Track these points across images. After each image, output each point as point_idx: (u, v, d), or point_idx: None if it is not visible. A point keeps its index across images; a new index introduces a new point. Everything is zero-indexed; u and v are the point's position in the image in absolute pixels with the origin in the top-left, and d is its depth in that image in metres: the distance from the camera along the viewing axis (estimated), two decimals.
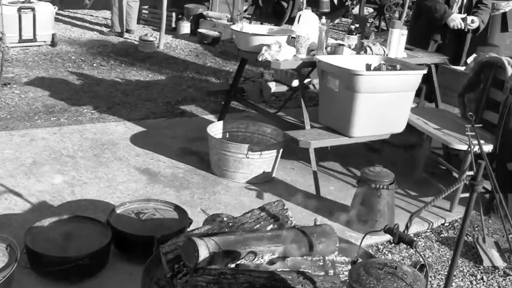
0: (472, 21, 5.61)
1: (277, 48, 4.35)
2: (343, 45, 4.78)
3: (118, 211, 3.52)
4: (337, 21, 11.85)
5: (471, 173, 4.39)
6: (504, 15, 6.85)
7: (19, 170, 4.39)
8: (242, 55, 4.87)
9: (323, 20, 4.69)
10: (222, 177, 4.59)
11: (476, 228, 4.28)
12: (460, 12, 5.69)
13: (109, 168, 4.57)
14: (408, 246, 2.65)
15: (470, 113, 4.20)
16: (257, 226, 2.67)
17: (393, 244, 3.88)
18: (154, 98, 6.36)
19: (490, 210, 4.46)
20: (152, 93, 6.52)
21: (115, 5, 8.98)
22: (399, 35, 4.99)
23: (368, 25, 10.86)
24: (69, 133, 5.19)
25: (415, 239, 2.30)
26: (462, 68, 5.74)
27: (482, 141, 4.18)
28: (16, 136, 5.01)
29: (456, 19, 5.58)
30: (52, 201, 3.98)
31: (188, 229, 3.31)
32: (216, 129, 4.86)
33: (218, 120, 5.25)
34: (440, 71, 5.69)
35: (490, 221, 4.39)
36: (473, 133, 4.13)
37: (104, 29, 9.42)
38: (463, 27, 5.61)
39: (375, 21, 11.61)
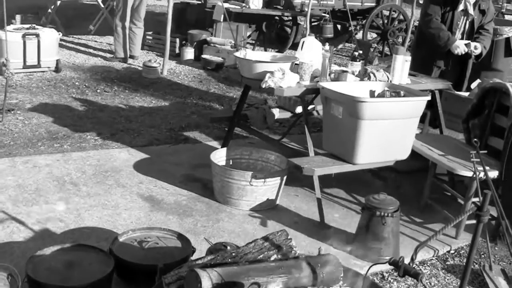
0: (475, 47, 5.63)
1: (281, 75, 4.36)
2: (346, 71, 4.79)
3: (121, 239, 3.51)
4: (340, 46, 11.91)
5: (477, 199, 4.37)
6: (507, 40, 6.89)
7: (22, 197, 4.38)
8: (246, 82, 4.88)
9: (327, 46, 4.71)
10: (226, 204, 4.57)
11: (483, 255, 4.25)
12: (462, 38, 5.71)
13: (112, 195, 4.56)
14: None
15: (475, 139, 4.19)
16: (261, 256, 2.65)
17: None
18: (157, 125, 6.36)
19: (496, 237, 4.43)
20: (155, 119, 6.53)
21: (116, 32, 9.03)
22: (402, 61, 5.00)
23: (372, 50, 10.89)
24: (72, 160, 5.19)
25: (420, 272, 2.28)
26: (466, 94, 5.74)
27: (487, 168, 4.16)
28: (19, 163, 5.02)
29: (460, 46, 5.60)
30: (54, 229, 3.96)
31: (191, 258, 3.29)
32: (219, 156, 4.85)
33: (221, 147, 5.25)
34: (444, 97, 5.70)
35: (496, 248, 4.35)
36: (478, 160, 4.11)
37: (108, 55, 9.47)
38: (467, 52, 5.63)
39: (379, 46, 11.65)
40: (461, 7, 5.63)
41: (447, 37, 5.58)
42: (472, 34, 5.74)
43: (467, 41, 5.63)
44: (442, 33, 5.59)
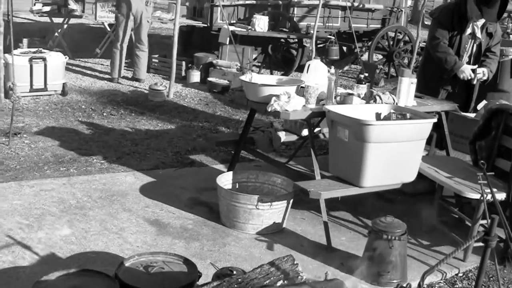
0: (483, 73, 5.64)
1: (286, 98, 4.37)
2: (352, 94, 4.79)
3: (127, 264, 3.50)
4: (346, 68, 11.94)
5: (484, 222, 4.35)
6: None
7: (28, 221, 4.39)
8: (252, 106, 4.89)
9: (332, 70, 4.72)
10: (232, 228, 4.56)
11: (491, 278, 4.21)
12: (469, 61, 5.72)
13: (118, 220, 4.55)
14: None
15: (482, 161, 4.16)
16: (267, 282, 2.64)
17: None
18: (163, 148, 6.37)
19: (505, 260, 4.40)
20: (161, 143, 6.54)
21: (114, 48, 9.16)
22: (408, 84, 5.00)
23: (378, 71, 10.90)
24: (78, 184, 5.20)
25: None
26: (472, 115, 5.73)
27: (494, 190, 4.13)
28: (25, 187, 5.03)
29: (465, 71, 5.60)
30: (60, 253, 3.96)
31: (197, 283, 3.27)
32: (225, 179, 4.85)
33: (228, 170, 5.24)
34: (450, 118, 5.69)
35: (505, 271, 4.32)
36: (485, 182, 4.09)
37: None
38: (472, 78, 5.63)
39: (384, 67, 11.68)
40: (469, 30, 5.65)
41: (454, 62, 5.59)
42: (479, 56, 5.75)
43: (474, 67, 5.64)
44: (450, 57, 5.59)
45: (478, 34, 5.65)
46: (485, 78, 5.68)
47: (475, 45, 5.73)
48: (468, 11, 5.57)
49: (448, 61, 5.60)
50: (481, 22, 5.65)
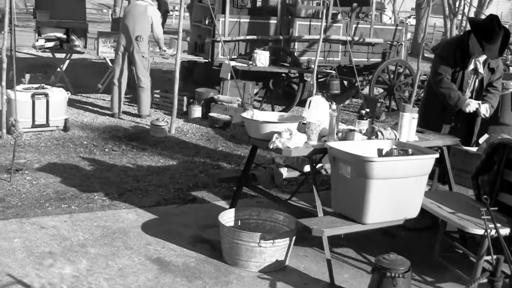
0: (486, 110, 5.67)
1: (288, 135, 4.38)
2: (354, 130, 4.80)
3: None
4: (347, 102, 11.98)
5: (489, 258, 4.31)
6: None
7: (29, 259, 4.37)
8: (253, 143, 4.89)
9: (334, 106, 4.74)
10: (235, 266, 4.53)
11: None
12: (472, 96, 5.76)
13: (119, 258, 4.53)
14: None
15: (485, 196, 4.16)
16: None
17: None
18: (165, 184, 6.37)
19: None
20: (163, 179, 6.54)
21: (112, 84, 9.24)
22: (410, 119, 5.02)
23: (379, 105, 10.95)
24: (80, 221, 5.18)
25: None
26: (474, 149, 5.74)
27: (498, 225, 4.12)
28: (26, 224, 5.02)
29: (471, 104, 5.64)
30: None
31: None
32: (227, 217, 4.84)
33: (230, 207, 5.23)
34: (452, 153, 5.70)
35: None
36: (489, 217, 4.08)
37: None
38: (478, 112, 5.66)
39: (385, 101, 11.72)
40: (471, 66, 5.69)
41: (457, 97, 5.62)
42: (481, 91, 5.79)
43: (478, 101, 5.68)
44: (453, 93, 5.63)
45: (481, 69, 5.70)
46: (488, 115, 5.73)
47: (477, 81, 5.77)
48: (470, 47, 5.62)
49: (452, 97, 5.63)
50: (483, 57, 5.69)
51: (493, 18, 5.57)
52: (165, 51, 10.39)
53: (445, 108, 5.76)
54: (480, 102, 5.69)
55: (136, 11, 9.23)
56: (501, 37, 5.47)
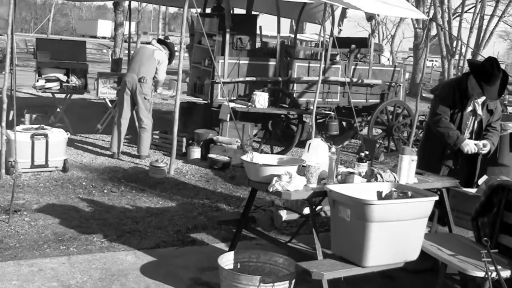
0: (484, 145, 5.72)
1: (288, 178, 4.41)
2: (353, 173, 4.83)
3: None
4: (346, 143, 12.03)
5: None
6: None
7: None
8: (253, 185, 4.91)
9: (333, 149, 4.77)
10: None
11: None
12: (471, 137, 5.81)
13: None
14: None
15: (485, 239, 4.18)
16: None
17: None
18: (164, 226, 6.36)
19: None
20: (162, 221, 6.53)
21: (114, 124, 9.33)
22: (409, 161, 5.05)
23: (378, 146, 11.00)
24: (78, 263, 5.17)
25: None
26: (473, 191, 5.76)
27: (499, 267, 4.13)
28: (24, 266, 5.01)
29: (470, 144, 5.69)
30: None
31: None
32: (227, 259, 4.83)
33: (229, 249, 5.23)
34: (451, 195, 5.71)
35: None
36: (490, 259, 4.09)
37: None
38: (477, 152, 5.71)
39: (384, 142, 11.78)
40: (470, 108, 5.76)
41: (456, 136, 5.67)
42: (480, 133, 5.84)
43: (476, 141, 5.73)
44: (452, 132, 5.68)
45: (479, 111, 5.76)
46: (487, 150, 5.77)
47: (476, 122, 5.83)
48: (469, 88, 5.70)
49: (450, 136, 5.68)
50: (481, 99, 5.76)
51: (493, 60, 5.66)
52: (159, 93, 10.53)
53: (445, 149, 5.80)
54: (478, 141, 5.75)
55: (143, 54, 9.43)
56: (500, 79, 5.55)
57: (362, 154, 5.12)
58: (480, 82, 5.55)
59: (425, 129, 6.48)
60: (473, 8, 26.28)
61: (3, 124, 7.64)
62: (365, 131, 11.91)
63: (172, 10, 52.95)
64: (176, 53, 9.55)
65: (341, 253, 4.45)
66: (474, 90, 5.66)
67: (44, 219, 6.28)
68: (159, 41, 10.02)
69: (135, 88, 9.20)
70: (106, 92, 11.41)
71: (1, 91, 7.57)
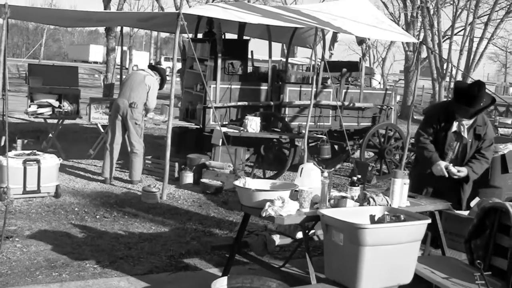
0: (459, 171, 5.69)
1: (281, 203, 4.42)
2: (346, 197, 4.85)
3: None
4: (338, 166, 12.04)
5: None
6: (503, 157, 7.01)
7: None
8: (245, 211, 4.92)
9: (325, 173, 4.79)
10: None
11: None
12: (456, 159, 5.82)
13: None
14: None
15: (478, 261, 4.20)
16: None
17: None
18: (157, 251, 6.34)
19: None
20: (155, 246, 6.52)
21: (106, 149, 9.33)
22: (401, 185, 5.08)
23: (370, 169, 11.02)
24: None
25: None
26: (466, 213, 5.78)
27: None
28: None
29: (438, 166, 5.72)
30: None
31: None
32: (220, 284, 4.81)
33: (222, 275, 5.21)
34: (444, 217, 5.73)
35: None
36: (483, 282, 4.10)
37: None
38: (446, 175, 5.72)
39: (376, 165, 11.81)
40: (453, 128, 5.78)
41: (429, 156, 5.72)
42: (464, 157, 5.85)
43: (449, 165, 5.73)
44: (427, 152, 5.74)
45: (464, 134, 5.76)
46: (461, 175, 5.75)
47: (461, 145, 5.84)
48: (454, 109, 5.74)
49: (424, 155, 5.75)
50: (468, 122, 5.79)
51: (476, 83, 5.71)
52: (151, 118, 10.56)
53: (425, 171, 5.84)
54: (451, 164, 5.74)
55: (134, 79, 9.46)
56: (478, 101, 5.58)
57: (355, 178, 5.13)
58: (457, 101, 5.62)
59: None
60: (463, 31, 26.54)
61: None
62: (357, 154, 11.94)
63: (164, 35, 53.29)
64: (168, 78, 9.59)
65: (334, 277, 4.45)
66: (456, 111, 5.72)
67: (36, 246, 6.26)
68: (150, 66, 10.08)
69: (126, 113, 9.23)
70: (98, 117, 11.44)
71: None
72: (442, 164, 5.74)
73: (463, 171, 5.76)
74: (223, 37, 11.11)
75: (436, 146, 5.85)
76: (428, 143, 5.83)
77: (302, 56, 27.25)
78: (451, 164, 5.76)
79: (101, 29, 48.13)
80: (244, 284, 4.94)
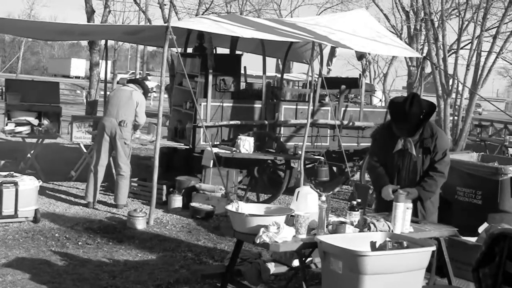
0: (408, 193, 5.58)
1: (276, 229, 4.44)
2: (345, 222, 4.87)
3: None
4: (337, 189, 12.05)
5: None
6: None
7: None
8: (238, 237, 4.94)
9: (323, 197, 4.81)
10: None
11: None
12: (408, 178, 5.84)
13: None
14: None
15: None
16: None
17: None
18: (144, 281, 6.34)
19: None
20: (142, 275, 6.51)
21: (90, 171, 9.36)
22: (403, 209, 5.10)
23: (370, 192, 11.03)
24: None
25: None
26: (473, 239, 5.79)
27: None
28: None
29: (385, 191, 5.77)
30: None
31: None
32: None
33: None
34: (450, 244, 5.75)
35: None
36: None
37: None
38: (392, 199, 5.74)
39: None
40: (399, 146, 5.80)
41: (378, 180, 5.88)
42: (416, 174, 5.86)
43: (396, 187, 5.74)
44: (375, 176, 5.97)
45: (412, 150, 5.76)
46: (412, 197, 5.62)
47: (411, 162, 5.84)
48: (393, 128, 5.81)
49: (373, 179, 5.83)
50: (415, 138, 5.79)
51: (408, 98, 5.74)
52: (137, 138, 10.57)
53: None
54: (398, 187, 5.73)
55: (121, 96, 9.44)
56: (413, 117, 5.63)
57: (354, 202, 5.16)
58: (391, 120, 5.71)
59: None
60: (470, 45, 26.65)
61: None
62: (357, 176, 11.96)
63: (151, 48, 53.42)
64: (155, 94, 9.61)
65: None
66: (395, 130, 5.78)
67: (13, 275, 6.24)
68: (131, 80, 10.08)
69: (114, 133, 9.23)
70: (81, 136, 11.45)
71: None
72: (390, 188, 5.75)
73: (412, 193, 5.67)
74: (214, 51, 11.16)
75: (387, 168, 5.90)
76: (378, 165, 5.89)
77: (298, 71, 27.37)
78: (398, 186, 5.74)
79: (84, 42, 48.20)
80: None
